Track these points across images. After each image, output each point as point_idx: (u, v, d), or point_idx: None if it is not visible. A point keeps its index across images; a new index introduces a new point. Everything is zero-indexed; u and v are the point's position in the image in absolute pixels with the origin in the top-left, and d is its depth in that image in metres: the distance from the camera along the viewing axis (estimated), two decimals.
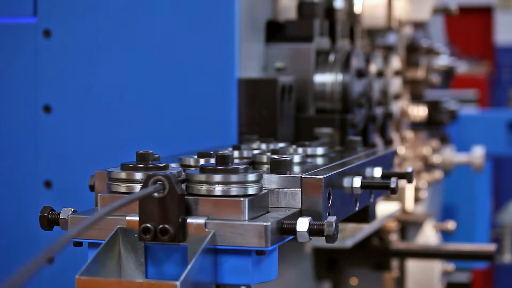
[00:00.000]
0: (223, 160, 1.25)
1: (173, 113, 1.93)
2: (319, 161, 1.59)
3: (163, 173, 1.18)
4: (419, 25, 3.14)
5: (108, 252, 1.20)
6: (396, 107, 2.52)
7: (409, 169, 1.69)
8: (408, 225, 2.88)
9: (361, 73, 2.06)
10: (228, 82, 1.89)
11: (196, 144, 1.86)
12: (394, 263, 2.52)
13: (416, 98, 3.03)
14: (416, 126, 3.00)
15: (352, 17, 2.31)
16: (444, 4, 2.94)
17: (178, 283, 1.09)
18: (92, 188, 1.41)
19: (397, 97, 2.50)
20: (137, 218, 1.19)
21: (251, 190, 1.24)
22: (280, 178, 1.34)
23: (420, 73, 2.93)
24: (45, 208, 1.32)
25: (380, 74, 2.29)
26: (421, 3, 2.72)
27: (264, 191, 1.28)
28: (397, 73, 2.50)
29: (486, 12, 8.89)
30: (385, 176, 1.65)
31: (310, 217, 1.24)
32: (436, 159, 3.06)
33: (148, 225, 1.18)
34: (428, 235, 2.88)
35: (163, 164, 1.31)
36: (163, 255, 1.23)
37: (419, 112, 2.86)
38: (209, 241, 1.18)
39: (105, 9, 1.97)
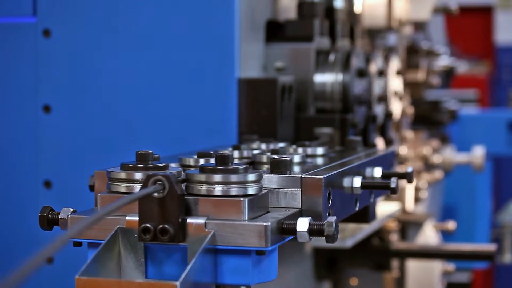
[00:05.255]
0: (223, 160, 1.25)
1: (173, 113, 1.93)
2: (319, 161, 1.59)
3: (163, 173, 1.18)
4: (419, 27, 3.14)
5: (108, 252, 1.20)
6: (396, 107, 2.52)
7: (409, 169, 1.69)
8: (408, 225, 2.88)
9: (362, 73, 2.06)
10: (228, 82, 1.89)
11: (196, 144, 1.85)
12: (394, 263, 2.52)
13: (416, 100, 3.03)
14: (416, 126, 3.00)
15: (352, 17, 2.31)
16: (444, 3, 2.94)
17: (178, 283, 1.09)
18: (92, 188, 1.41)
19: (398, 96, 2.50)
20: (137, 218, 1.19)
21: (251, 190, 1.24)
22: (280, 178, 1.34)
23: (420, 75, 2.93)
24: (44, 208, 1.32)
25: (380, 73, 2.29)
26: (421, 2, 2.71)
27: (264, 191, 1.28)
28: (398, 73, 2.50)
29: (486, 12, 8.89)
30: (385, 176, 1.65)
31: (310, 217, 1.24)
32: (436, 159, 3.06)
33: (148, 225, 1.18)
34: (428, 235, 2.88)
35: (163, 164, 1.30)
36: (163, 255, 1.23)
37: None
38: (209, 241, 1.18)
39: (105, 9, 1.96)
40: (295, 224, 1.23)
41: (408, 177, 1.67)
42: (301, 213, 1.32)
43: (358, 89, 2.05)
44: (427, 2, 2.73)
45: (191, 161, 1.44)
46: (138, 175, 1.28)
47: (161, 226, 1.17)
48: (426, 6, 2.73)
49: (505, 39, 8.64)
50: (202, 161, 1.43)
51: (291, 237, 1.25)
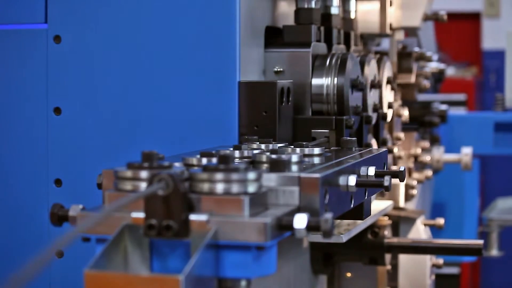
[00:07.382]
0: (225, 160, 1.24)
1: (177, 115, 1.93)
2: (316, 160, 1.58)
3: (167, 172, 1.17)
4: (411, 33, 3.13)
5: (115, 248, 1.20)
6: (389, 109, 2.51)
7: (401, 168, 1.68)
8: (400, 221, 2.87)
9: (357, 84, 2.04)
10: (229, 85, 1.88)
11: (199, 145, 1.85)
12: (387, 257, 2.51)
13: (408, 102, 3.02)
14: (407, 127, 2.99)
15: (348, 23, 2.30)
16: (434, 11, 2.93)
17: (181, 277, 1.08)
18: (100, 186, 1.40)
19: (390, 101, 2.50)
20: (143, 215, 1.19)
21: (251, 188, 1.23)
22: (279, 176, 1.34)
23: (411, 78, 2.92)
24: (55, 205, 1.32)
25: (375, 78, 2.28)
26: (412, 10, 2.71)
27: (263, 189, 1.28)
28: (388, 82, 2.49)
29: (474, 19, 8.89)
30: (379, 174, 1.64)
31: (308, 214, 1.24)
32: (426, 158, 3.05)
33: (153, 221, 1.17)
34: (420, 232, 2.88)
35: (167, 164, 1.30)
36: (167, 250, 1.22)
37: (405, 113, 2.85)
38: (211, 237, 1.18)
39: (111, 16, 1.96)
40: (293, 220, 1.23)
41: (400, 175, 1.67)
42: (298, 210, 1.32)
43: (354, 100, 2.04)
44: (418, 10, 2.72)
45: (194, 161, 1.43)
46: (144, 174, 1.27)
47: (165, 222, 1.17)
48: (417, 14, 2.72)
49: (491, 45, 8.64)
50: (204, 160, 1.43)
51: (290, 233, 1.25)
